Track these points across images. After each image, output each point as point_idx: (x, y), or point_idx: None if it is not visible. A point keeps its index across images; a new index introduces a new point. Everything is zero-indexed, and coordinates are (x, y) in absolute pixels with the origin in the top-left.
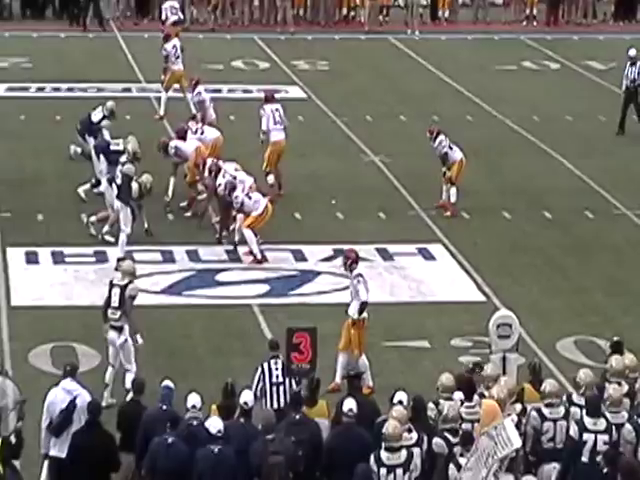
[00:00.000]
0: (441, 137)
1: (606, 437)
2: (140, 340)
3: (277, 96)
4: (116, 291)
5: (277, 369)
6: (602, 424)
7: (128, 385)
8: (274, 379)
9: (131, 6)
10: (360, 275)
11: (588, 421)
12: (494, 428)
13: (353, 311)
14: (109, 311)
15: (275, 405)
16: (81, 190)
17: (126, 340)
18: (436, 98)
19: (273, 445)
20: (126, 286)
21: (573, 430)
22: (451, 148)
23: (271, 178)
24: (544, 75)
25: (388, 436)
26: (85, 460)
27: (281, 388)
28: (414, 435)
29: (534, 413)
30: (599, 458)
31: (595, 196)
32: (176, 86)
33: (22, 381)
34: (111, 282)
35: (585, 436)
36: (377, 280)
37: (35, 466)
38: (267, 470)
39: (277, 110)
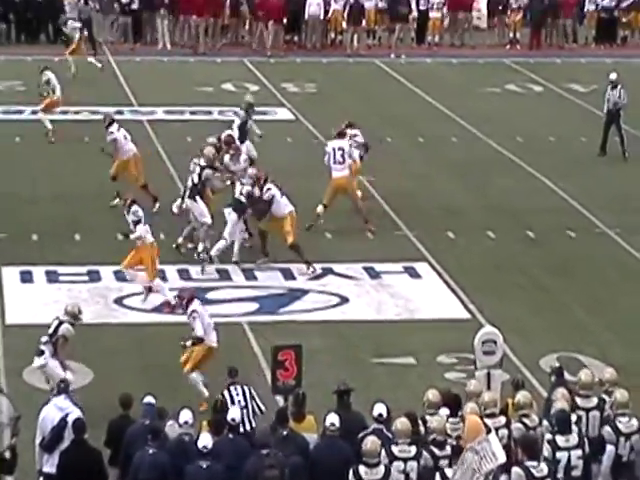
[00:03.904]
0: None
1: (579, 452)
2: (71, 376)
3: (265, 118)
4: (55, 322)
5: (237, 394)
6: (574, 439)
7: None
8: (236, 403)
9: (128, 30)
10: (194, 311)
11: (560, 439)
12: (478, 443)
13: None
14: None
15: (241, 429)
16: (175, 206)
17: (46, 363)
18: (422, 120)
19: (268, 459)
20: (62, 323)
21: (547, 451)
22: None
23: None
24: (527, 97)
25: (366, 452)
26: (74, 477)
27: (244, 412)
28: (413, 449)
29: (518, 425)
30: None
31: (577, 215)
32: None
33: (16, 398)
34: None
35: (559, 455)
36: (364, 298)
37: None
38: None
39: (340, 149)
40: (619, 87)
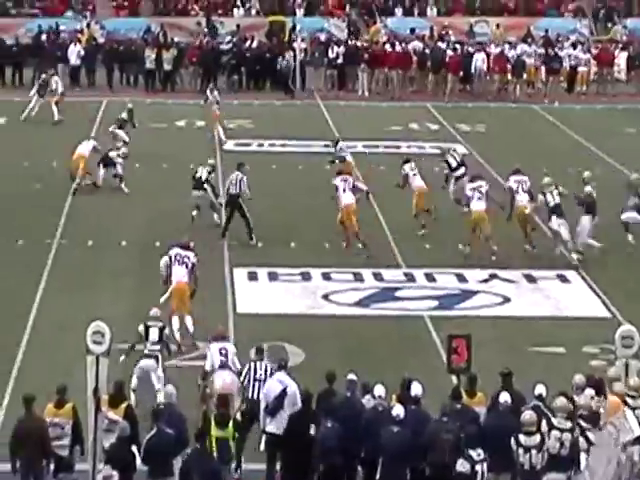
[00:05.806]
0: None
1: None
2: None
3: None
4: (155, 330)
5: (260, 368)
6: None
7: (160, 399)
8: (257, 376)
9: (334, 80)
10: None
11: None
12: (617, 418)
13: None
14: (148, 344)
15: (255, 396)
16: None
17: (163, 369)
18: (571, 154)
19: (446, 425)
20: (164, 327)
21: None
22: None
23: None
24: None
25: (525, 422)
26: (298, 436)
27: (259, 384)
28: (569, 423)
29: None
30: None
31: None
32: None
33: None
34: (146, 325)
35: None
36: (523, 298)
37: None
38: (440, 444)
39: None
40: None
